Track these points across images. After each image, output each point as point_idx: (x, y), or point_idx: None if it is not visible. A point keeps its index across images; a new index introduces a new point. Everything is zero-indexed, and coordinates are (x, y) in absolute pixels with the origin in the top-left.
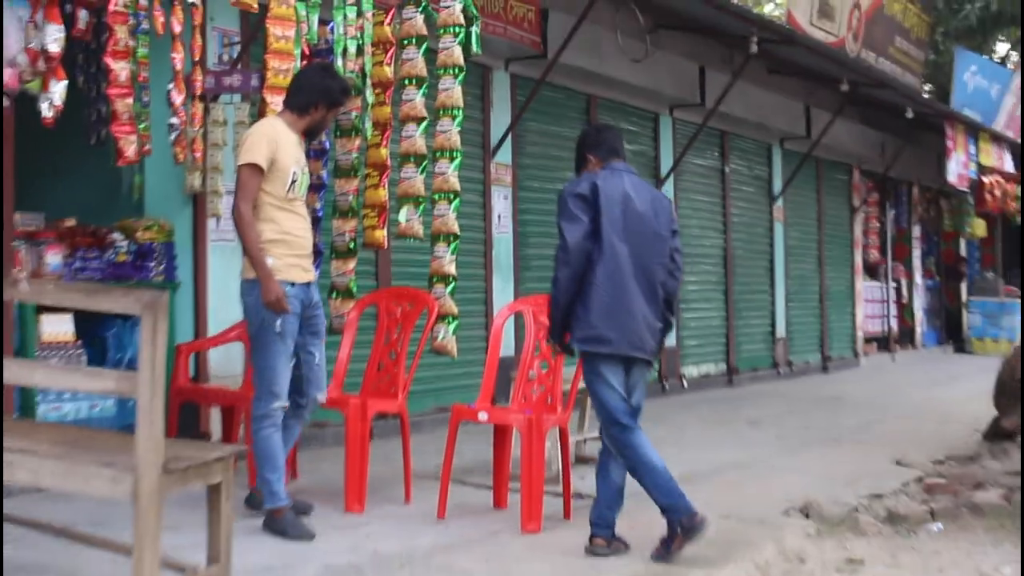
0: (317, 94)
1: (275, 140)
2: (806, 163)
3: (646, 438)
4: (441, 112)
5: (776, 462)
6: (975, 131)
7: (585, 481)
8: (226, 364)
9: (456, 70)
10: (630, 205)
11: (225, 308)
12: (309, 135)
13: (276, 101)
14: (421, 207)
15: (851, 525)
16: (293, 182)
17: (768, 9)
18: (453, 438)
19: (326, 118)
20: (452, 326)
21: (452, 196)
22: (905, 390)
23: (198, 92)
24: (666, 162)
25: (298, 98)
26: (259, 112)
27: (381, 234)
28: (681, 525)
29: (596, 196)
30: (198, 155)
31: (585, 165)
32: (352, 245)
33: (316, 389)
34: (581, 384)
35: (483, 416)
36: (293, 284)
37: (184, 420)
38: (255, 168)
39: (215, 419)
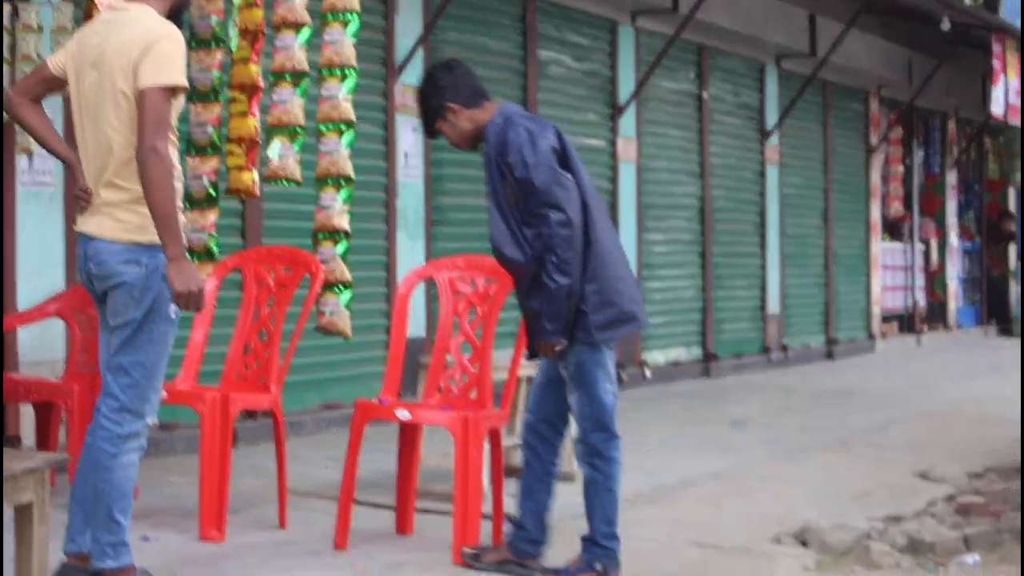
0: None
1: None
2: (810, 88)
3: None
4: (329, 16)
5: (766, 472)
6: None
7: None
8: (41, 347)
9: None
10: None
11: (40, 273)
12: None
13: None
14: (299, 141)
15: (861, 556)
16: None
17: None
18: (357, 443)
19: None
20: (344, 297)
21: (344, 127)
22: (933, 383)
23: None
24: (626, 86)
25: None
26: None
27: (250, 177)
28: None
29: (564, 146)
30: None
31: (444, 117)
32: (212, 191)
33: None
34: (523, 372)
35: (403, 415)
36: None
37: None
38: (178, 93)
39: (27, 419)
